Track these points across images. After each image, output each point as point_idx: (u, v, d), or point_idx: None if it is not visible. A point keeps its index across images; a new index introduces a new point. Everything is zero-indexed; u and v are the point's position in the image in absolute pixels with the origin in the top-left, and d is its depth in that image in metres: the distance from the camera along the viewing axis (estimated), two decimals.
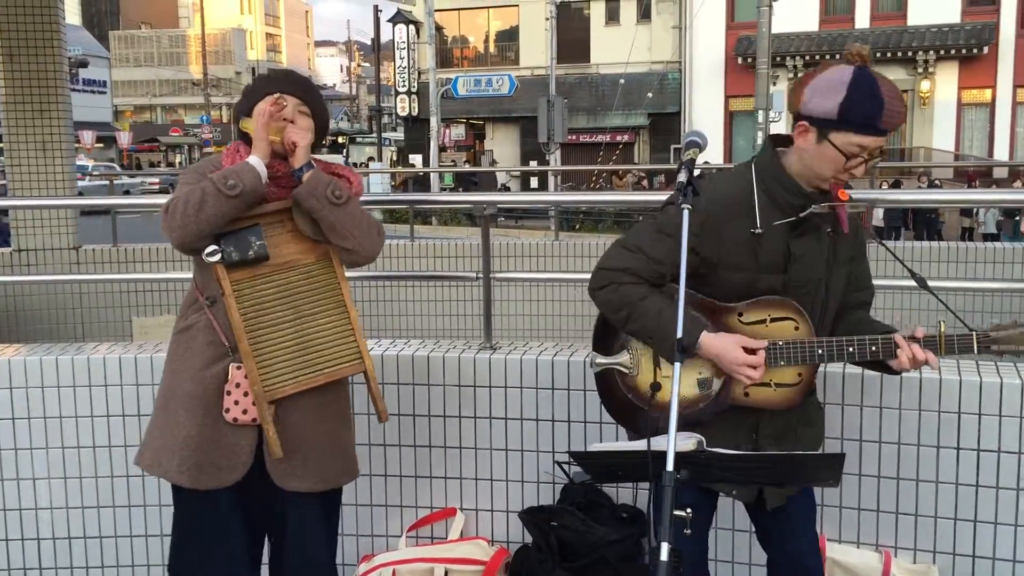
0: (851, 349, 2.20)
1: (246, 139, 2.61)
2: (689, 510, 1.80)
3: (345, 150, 50.96)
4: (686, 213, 2.05)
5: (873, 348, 2.18)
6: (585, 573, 3.13)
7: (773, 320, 2.26)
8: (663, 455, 1.86)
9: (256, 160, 2.46)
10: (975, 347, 2.17)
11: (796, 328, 2.24)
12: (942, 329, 2.20)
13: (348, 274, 2.68)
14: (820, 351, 2.20)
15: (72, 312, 7.61)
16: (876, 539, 3.09)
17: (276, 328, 2.52)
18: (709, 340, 2.24)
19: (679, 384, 1.90)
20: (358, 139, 56.64)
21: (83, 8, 63.17)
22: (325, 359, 2.57)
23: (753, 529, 2.62)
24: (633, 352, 2.42)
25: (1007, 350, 2.17)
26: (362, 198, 2.73)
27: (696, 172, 2.11)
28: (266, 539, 2.74)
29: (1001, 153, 26.38)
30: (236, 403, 2.50)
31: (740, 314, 2.28)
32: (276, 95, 2.54)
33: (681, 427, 2.27)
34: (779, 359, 2.23)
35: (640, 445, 1.97)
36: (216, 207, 2.39)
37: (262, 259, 2.50)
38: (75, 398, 3.47)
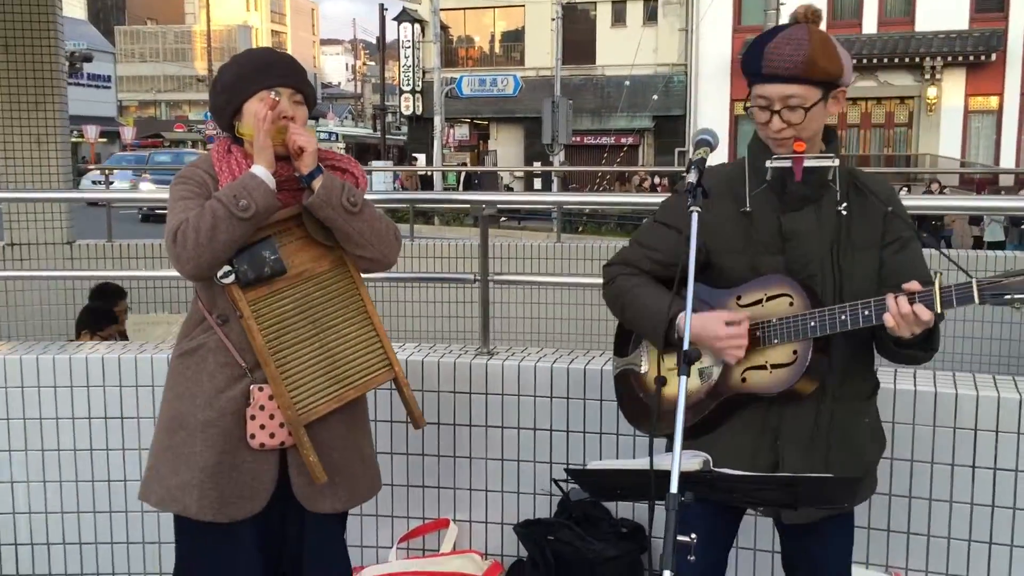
0: (843, 317, 2.02)
1: (234, 135, 2.39)
2: (694, 535, 1.69)
3: None
4: (695, 216, 1.94)
5: (866, 312, 2.01)
6: None
7: (769, 299, 2.13)
8: (666, 475, 1.75)
9: (263, 171, 2.24)
10: (975, 296, 1.90)
11: (791, 304, 2.11)
12: (938, 281, 1.97)
13: None
14: (813, 323, 2.05)
15: (65, 308, 7.47)
16: (886, 560, 2.97)
17: (300, 346, 2.34)
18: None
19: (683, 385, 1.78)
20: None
21: (89, 3, 63.06)
22: (354, 371, 2.42)
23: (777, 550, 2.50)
24: (645, 351, 2.32)
25: (1019, 297, 1.89)
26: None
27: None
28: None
29: (1007, 161, 26.18)
30: (262, 427, 2.30)
31: (739, 297, 2.18)
32: (272, 94, 2.30)
33: (693, 432, 2.14)
34: (772, 337, 2.11)
35: (642, 464, 1.84)
36: (229, 232, 2.18)
37: (279, 274, 2.30)
38: (56, 399, 3.35)
